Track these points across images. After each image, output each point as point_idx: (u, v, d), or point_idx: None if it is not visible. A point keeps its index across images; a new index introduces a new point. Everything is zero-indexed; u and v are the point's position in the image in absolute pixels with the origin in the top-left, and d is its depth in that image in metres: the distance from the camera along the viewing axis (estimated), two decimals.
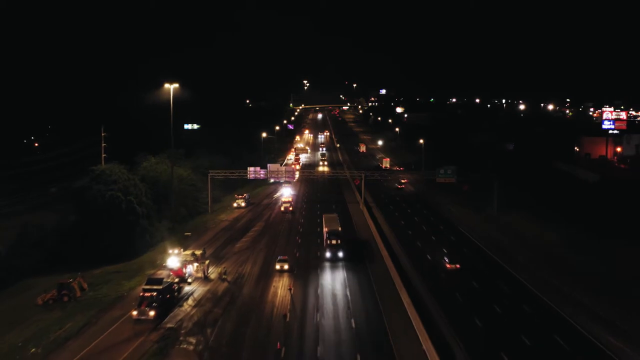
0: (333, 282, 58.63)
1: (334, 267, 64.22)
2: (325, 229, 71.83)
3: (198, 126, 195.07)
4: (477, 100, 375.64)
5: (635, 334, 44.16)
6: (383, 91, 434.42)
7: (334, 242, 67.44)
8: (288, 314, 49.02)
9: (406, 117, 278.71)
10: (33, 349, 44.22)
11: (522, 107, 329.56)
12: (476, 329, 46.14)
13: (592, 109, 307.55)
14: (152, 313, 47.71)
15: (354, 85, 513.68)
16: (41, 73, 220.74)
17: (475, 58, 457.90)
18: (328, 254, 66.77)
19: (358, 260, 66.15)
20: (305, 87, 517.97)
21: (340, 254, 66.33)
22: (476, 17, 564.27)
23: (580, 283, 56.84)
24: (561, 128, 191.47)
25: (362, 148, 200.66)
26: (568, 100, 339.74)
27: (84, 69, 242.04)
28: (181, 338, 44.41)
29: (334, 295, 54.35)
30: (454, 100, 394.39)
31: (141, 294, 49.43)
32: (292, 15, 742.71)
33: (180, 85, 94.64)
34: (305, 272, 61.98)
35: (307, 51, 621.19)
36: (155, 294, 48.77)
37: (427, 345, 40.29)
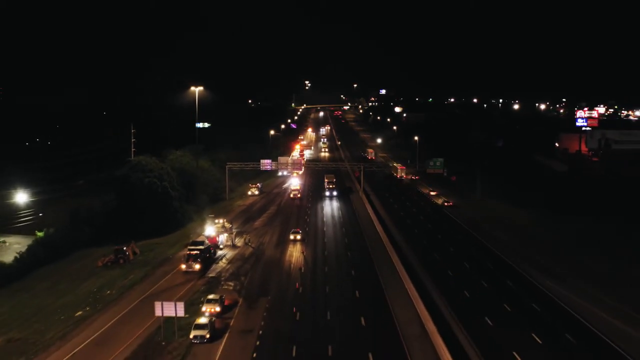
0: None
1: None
2: (325, 180, 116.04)
3: (209, 125, 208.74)
4: (475, 100, 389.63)
5: (564, 276, 58.86)
6: (383, 91, 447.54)
7: (330, 186, 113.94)
8: (302, 267, 63.22)
9: (405, 117, 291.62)
10: (108, 291, 57.95)
11: (516, 106, 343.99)
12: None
13: (586, 109, 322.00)
14: (197, 266, 61.44)
15: (355, 85, 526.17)
16: (44, 76, 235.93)
17: (476, 59, 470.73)
18: (327, 193, 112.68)
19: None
20: (307, 88, 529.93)
21: (334, 193, 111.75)
22: (477, 18, 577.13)
23: (535, 247, 71.02)
24: (548, 126, 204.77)
25: (371, 155, 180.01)
26: (564, 100, 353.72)
27: (87, 69, 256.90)
28: (222, 282, 58.30)
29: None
30: (452, 100, 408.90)
31: (187, 252, 63.25)
32: (293, 15, 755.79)
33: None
34: (315, 240, 76.13)
35: (307, 51, 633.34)
36: (198, 252, 62.57)
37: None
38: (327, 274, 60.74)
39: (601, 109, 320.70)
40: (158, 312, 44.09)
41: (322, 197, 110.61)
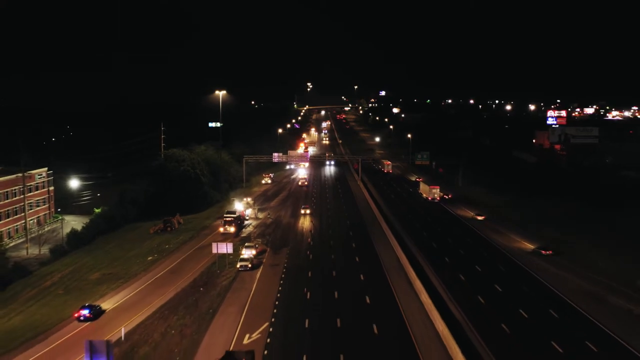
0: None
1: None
2: (327, 155, 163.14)
3: (220, 124, 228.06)
4: (472, 101, 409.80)
5: (521, 238, 77.36)
6: (382, 93, 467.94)
7: (330, 160, 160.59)
8: (312, 230, 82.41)
9: (403, 117, 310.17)
10: (167, 246, 76.85)
11: (508, 107, 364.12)
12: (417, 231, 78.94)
13: (578, 109, 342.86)
14: (232, 229, 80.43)
15: (355, 87, 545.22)
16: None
17: (475, 61, 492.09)
18: (327, 162, 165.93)
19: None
20: (308, 89, 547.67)
21: (332, 162, 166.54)
22: (478, 20, 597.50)
23: (496, 216, 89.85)
24: (533, 125, 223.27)
25: (388, 167, 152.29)
26: (558, 100, 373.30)
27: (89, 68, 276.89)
28: (252, 239, 77.10)
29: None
30: (449, 101, 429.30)
31: (224, 219, 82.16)
32: (294, 16, 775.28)
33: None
34: (320, 214, 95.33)
35: (309, 53, 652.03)
36: (232, 218, 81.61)
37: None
38: (331, 235, 80.00)
39: (590, 110, 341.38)
40: (214, 250, 63.10)
41: (325, 186, 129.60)
